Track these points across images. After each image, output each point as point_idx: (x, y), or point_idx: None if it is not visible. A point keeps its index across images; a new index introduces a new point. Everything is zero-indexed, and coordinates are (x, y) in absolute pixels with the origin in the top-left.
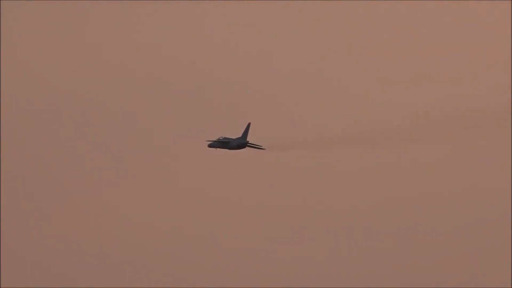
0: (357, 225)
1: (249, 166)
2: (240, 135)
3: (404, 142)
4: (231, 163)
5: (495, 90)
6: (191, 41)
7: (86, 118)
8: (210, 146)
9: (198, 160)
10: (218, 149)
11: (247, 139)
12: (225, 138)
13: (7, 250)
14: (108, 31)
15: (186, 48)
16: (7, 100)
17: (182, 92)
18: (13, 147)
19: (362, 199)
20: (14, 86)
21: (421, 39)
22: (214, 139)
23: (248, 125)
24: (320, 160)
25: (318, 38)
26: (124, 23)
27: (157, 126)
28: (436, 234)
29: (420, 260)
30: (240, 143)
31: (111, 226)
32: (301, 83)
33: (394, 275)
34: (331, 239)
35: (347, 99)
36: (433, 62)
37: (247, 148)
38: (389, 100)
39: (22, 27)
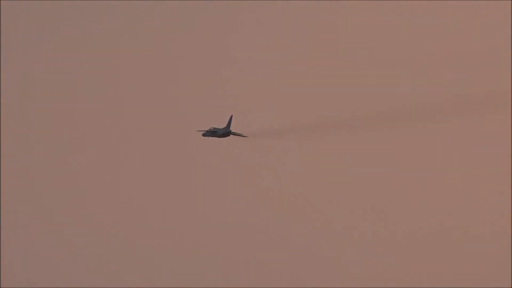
0: (338, 210)
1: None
2: (225, 125)
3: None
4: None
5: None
6: (178, 40)
7: (86, 109)
8: (203, 135)
9: (192, 146)
10: (209, 137)
11: (230, 129)
12: (214, 128)
13: (7, 250)
14: (106, 31)
15: (176, 47)
16: (7, 100)
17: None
18: (12, 141)
19: (339, 183)
20: (14, 86)
21: (420, 38)
22: (206, 129)
23: (231, 117)
24: (297, 147)
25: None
26: (118, 22)
27: (154, 121)
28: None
29: (418, 258)
30: (225, 132)
31: (107, 223)
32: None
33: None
34: (313, 225)
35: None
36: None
37: (231, 136)
38: (373, 89)
39: (22, 27)
